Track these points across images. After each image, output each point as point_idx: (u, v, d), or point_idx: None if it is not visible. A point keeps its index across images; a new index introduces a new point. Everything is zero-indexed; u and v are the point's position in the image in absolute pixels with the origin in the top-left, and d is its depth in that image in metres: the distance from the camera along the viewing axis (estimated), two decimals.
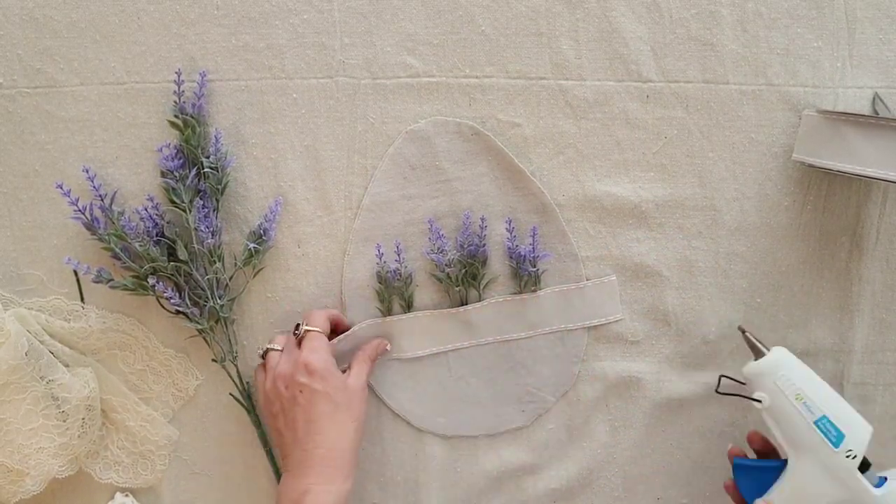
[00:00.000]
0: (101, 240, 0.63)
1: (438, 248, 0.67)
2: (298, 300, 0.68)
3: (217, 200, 0.64)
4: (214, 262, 0.64)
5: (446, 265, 0.66)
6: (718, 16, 0.66)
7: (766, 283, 0.69)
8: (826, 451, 0.56)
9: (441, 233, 0.67)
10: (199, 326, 0.65)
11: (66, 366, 0.64)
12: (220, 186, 0.64)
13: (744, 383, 0.60)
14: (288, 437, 0.59)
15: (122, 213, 0.63)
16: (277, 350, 0.63)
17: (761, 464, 0.61)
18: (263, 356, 0.64)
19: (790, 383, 0.57)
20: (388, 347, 0.67)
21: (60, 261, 0.65)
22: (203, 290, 0.64)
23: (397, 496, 0.70)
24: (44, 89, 0.64)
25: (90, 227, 0.62)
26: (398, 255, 0.67)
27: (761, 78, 0.66)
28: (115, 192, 0.65)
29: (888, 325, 0.70)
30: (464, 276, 0.67)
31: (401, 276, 0.67)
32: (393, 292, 0.68)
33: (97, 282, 0.63)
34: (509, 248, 0.67)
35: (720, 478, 0.70)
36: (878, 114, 0.66)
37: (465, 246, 0.67)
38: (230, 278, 0.66)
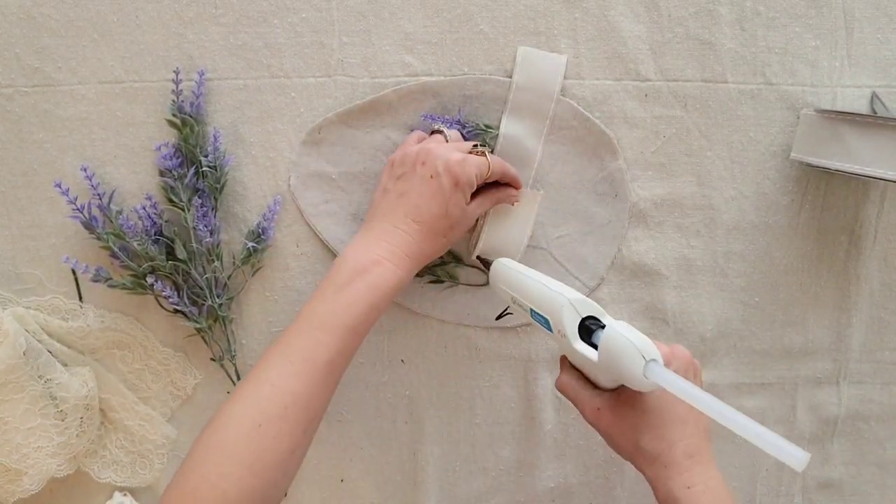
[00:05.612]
0: (99, 239, 0.62)
1: None
2: (297, 299, 0.68)
3: (215, 199, 0.64)
4: (213, 261, 0.64)
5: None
6: (717, 15, 0.66)
7: (764, 281, 0.69)
8: (547, 334, 0.55)
9: None
10: (198, 325, 0.65)
11: (65, 365, 0.64)
12: (218, 185, 0.64)
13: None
14: (384, 204, 0.58)
15: (120, 212, 0.63)
16: (441, 134, 0.62)
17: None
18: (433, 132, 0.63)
19: (505, 289, 0.60)
20: (514, 204, 0.65)
21: (59, 260, 0.65)
22: (201, 288, 0.64)
23: (395, 496, 0.70)
24: (42, 88, 0.64)
25: (88, 226, 0.62)
26: None
27: (760, 77, 0.66)
28: (114, 191, 0.65)
29: (886, 323, 0.70)
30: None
31: None
32: None
33: (95, 281, 0.63)
34: None
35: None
36: (876, 113, 0.66)
37: None
38: (229, 277, 0.66)
